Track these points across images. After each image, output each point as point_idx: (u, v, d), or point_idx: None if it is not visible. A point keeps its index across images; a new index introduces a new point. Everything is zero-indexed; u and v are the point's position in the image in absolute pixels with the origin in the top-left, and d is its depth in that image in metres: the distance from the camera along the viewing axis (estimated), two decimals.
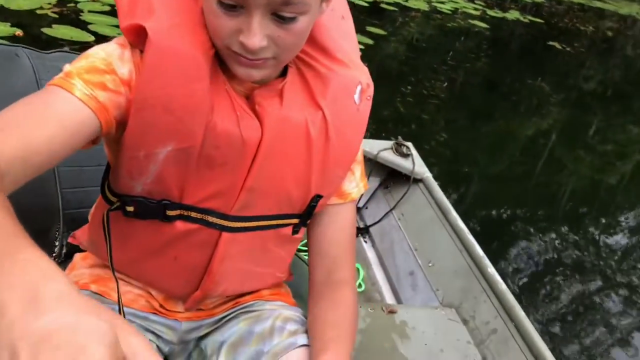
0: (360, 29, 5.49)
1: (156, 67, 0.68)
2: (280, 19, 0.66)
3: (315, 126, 0.77)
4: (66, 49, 1.19)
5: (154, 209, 0.76)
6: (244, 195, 0.77)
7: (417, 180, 1.94)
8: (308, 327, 0.85)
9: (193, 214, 0.77)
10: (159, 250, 0.80)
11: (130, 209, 0.76)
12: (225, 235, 0.79)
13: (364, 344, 1.36)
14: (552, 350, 1.33)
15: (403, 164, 1.98)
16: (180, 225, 0.77)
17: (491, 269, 1.54)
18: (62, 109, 0.65)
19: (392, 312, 1.49)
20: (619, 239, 3.51)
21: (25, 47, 1.10)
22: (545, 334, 2.33)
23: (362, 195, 0.93)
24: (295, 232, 0.87)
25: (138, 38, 0.69)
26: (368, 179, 2.03)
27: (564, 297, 2.69)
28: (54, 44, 3.38)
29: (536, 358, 1.30)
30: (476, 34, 6.97)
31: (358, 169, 0.89)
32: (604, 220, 3.72)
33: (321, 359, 0.75)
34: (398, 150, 2.02)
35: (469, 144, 4.23)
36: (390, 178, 2.06)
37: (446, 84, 5.07)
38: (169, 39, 0.68)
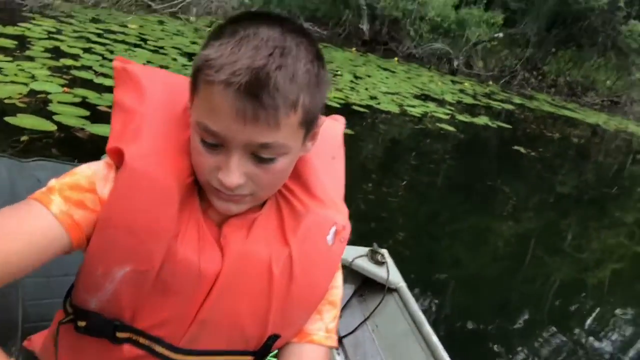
0: None
1: (125, 189, 0.70)
2: (259, 159, 0.69)
3: (279, 263, 0.76)
4: (44, 158, 1.20)
5: (104, 328, 0.75)
6: (195, 328, 0.75)
7: (392, 290, 1.93)
8: None
9: (141, 340, 0.75)
10: None
11: (82, 324, 0.76)
12: None
13: None
14: None
15: (378, 272, 1.97)
16: (127, 349, 0.75)
17: None
18: (35, 224, 0.68)
19: None
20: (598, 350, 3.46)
21: (3, 156, 1.11)
22: None
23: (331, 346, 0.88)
24: None
25: (119, 160, 0.71)
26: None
27: None
28: (15, 131, 3.35)
29: None
30: (444, 137, 7.25)
31: (330, 312, 0.85)
32: (581, 329, 3.68)
33: None
34: (373, 257, 2.02)
35: (436, 246, 4.25)
36: (364, 286, 2.04)
37: (404, 182, 5.16)
38: (145, 164, 0.71)
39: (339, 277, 0.87)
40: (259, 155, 0.68)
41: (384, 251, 2.08)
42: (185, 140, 0.74)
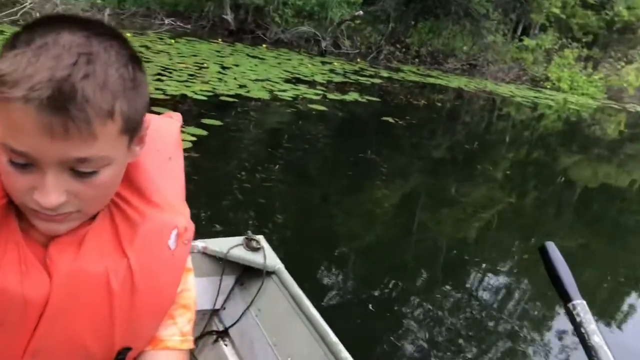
0: (195, 122, 5.57)
1: None
2: (78, 174, 0.64)
3: (118, 276, 0.73)
4: None
5: None
6: None
7: (270, 273, 1.94)
8: None
9: None
10: None
11: None
12: None
13: None
14: None
15: (255, 258, 1.97)
16: None
17: (345, 354, 1.55)
18: None
19: None
20: (484, 305, 3.75)
21: None
22: None
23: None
24: None
25: None
26: (221, 278, 1.99)
27: None
28: None
29: None
30: (317, 117, 7.40)
31: (184, 316, 0.84)
32: (471, 282, 3.97)
33: None
34: (249, 245, 2.02)
35: (319, 224, 4.35)
36: (244, 274, 2.03)
37: (278, 166, 5.22)
38: None
39: (189, 279, 0.86)
40: (78, 170, 0.64)
41: (260, 237, 2.08)
42: None
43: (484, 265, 4.24)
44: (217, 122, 5.90)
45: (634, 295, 4.31)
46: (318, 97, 8.33)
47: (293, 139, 6.42)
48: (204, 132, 5.44)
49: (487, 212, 5.44)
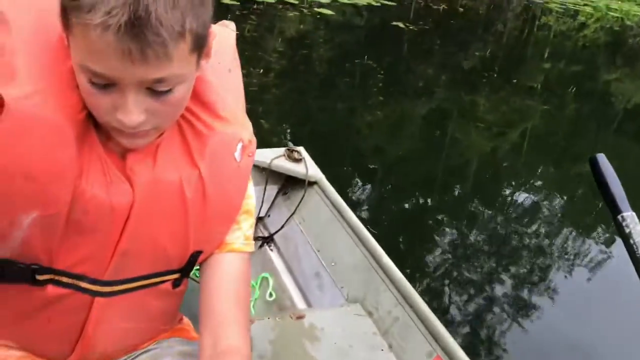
0: None
1: (13, 135, 0.66)
2: (156, 93, 0.66)
3: (191, 185, 0.78)
4: None
5: (22, 273, 0.74)
6: (117, 259, 0.77)
7: (312, 183, 2.00)
8: None
9: (64, 279, 0.76)
10: (32, 314, 0.79)
11: None
12: (99, 300, 0.79)
13: (276, 354, 1.40)
14: (451, 332, 1.44)
15: (297, 169, 2.03)
16: (51, 289, 0.76)
17: (386, 259, 1.63)
18: None
19: (300, 317, 1.54)
20: (513, 221, 3.78)
21: None
22: (444, 317, 2.49)
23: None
24: (176, 285, 0.87)
25: None
26: (265, 187, 2.07)
27: (460, 282, 2.87)
28: None
29: (436, 339, 1.41)
30: (321, 21, 6.99)
31: (247, 221, 0.89)
32: (496, 201, 3.99)
33: None
34: (290, 156, 2.07)
35: (343, 135, 4.30)
36: (287, 184, 2.10)
37: (261, 71, 5.04)
38: (29, 105, 0.66)
39: (250, 187, 0.90)
40: (155, 90, 0.66)
41: (301, 148, 2.12)
42: (67, 72, 0.69)
43: (518, 180, 4.24)
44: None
45: None
46: (328, 1, 7.87)
47: (300, 45, 6.08)
48: None
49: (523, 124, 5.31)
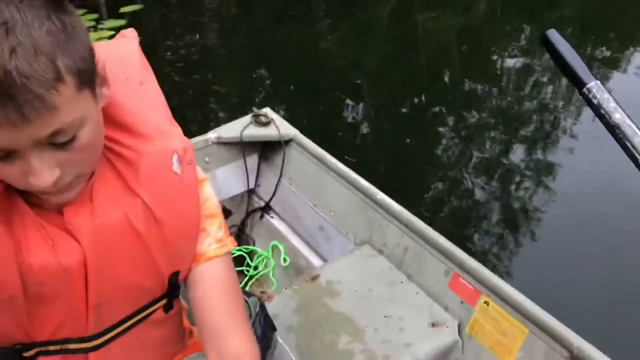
0: (112, 15, 5.04)
1: None
2: (59, 145, 0.62)
3: (138, 217, 0.75)
4: None
5: (9, 356, 0.74)
6: (93, 314, 0.76)
7: (288, 142, 1.96)
8: None
9: (51, 348, 0.76)
10: None
11: None
12: (94, 354, 0.79)
13: (302, 321, 1.41)
14: (461, 247, 1.43)
15: (269, 132, 1.98)
16: None
17: (381, 195, 1.61)
18: None
19: (315, 278, 1.55)
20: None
21: None
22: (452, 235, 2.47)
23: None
24: (168, 310, 0.86)
25: None
26: (245, 160, 2.03)
27: (461, 199, 2.83)
28: None
29: (449, 258, 1.40)
30: None
31: (213, 224, 0.86)
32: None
33: None
34: (258, 121, 2.01)
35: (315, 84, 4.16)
36: (265, 150, 2.06)
37: (198, 36, 4.84)
38: None
39: (205, 189, 0.87)
40: (57, 143, 0.61)
41: (266, 110, 2.06)
42: None
43: (491, 57, 4.12)
44: (136, 7, 5.35)
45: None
46: None
47: None
48: (122, 22, 4.90)
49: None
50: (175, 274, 0.83)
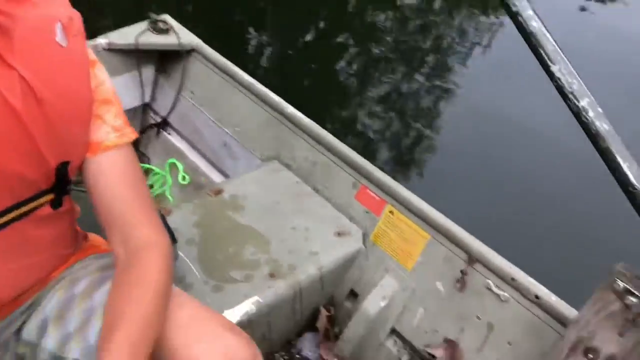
0: None
1: None
2: None
3: (14, 92, 0.64)
4: None
5: None
6: None
7: (190, 52, 1.82)
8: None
9: None
10: None
11: None
12: None
13: (205, 235, 1.35)
14: (370, 158, 1.44)
15: (168, 41, 1.82)
16: None
17: (292, 109, 1.56)
18: None
19: (219, 192, 1.48)
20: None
21: None
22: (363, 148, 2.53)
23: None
24: (56, 206, 0.77)
25: None
26: (140, 71, 1.87)
27: (367, 110, 2.87)
28: None
29: (357, 170, 1.40)
30: None
31: (109, 112, 0.77)
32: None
33: (107, 340, 0.66)
34: (156, 28, 1.84)
35: None
36: (163, 61, 1.91)
37: None
38: None
39: (98, 71, 0.77)
40: None
41: (165, 16, 1.89)
42: None
43: None
44: None
45: None
46: None
47: None
48: None
49: None
50: (64, 164, 0.74)
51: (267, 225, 1.39)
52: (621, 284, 0.89)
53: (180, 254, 1.30)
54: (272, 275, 1.26)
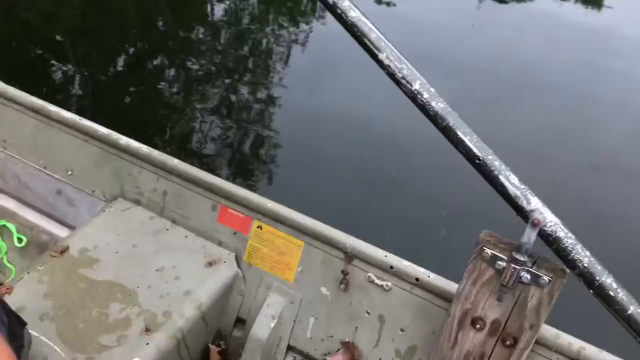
0: None
1: None
2: None
3: None
4: None
5: None
6: None
7: None
8: None
9: None
10: None
11: None
12: None
13: (58, 306, 1.18)
14: (218, 173, 1.35)
15: None
16: None
17: (124, 140, 1.41)
18: None
19: (63, 250, 1.30)
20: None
21: None
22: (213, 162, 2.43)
23: None
24: None
25: None
26: None
27: (203, 127, 2.76)
28: None
29: (213, 191, 1.31)
30: None
31: None
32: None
33: None
34: None
35: None
36: None
37: None
38: None
39: None
40: None
41: None
42: None
43: None
44: None
45: None
46: None
47: None
48: None
49: None
50: None
51: (128, 274, 1.25)
52: (489, 251, 0.92)
53: (34, 333, 1.12)
54: (147, 330, 1.14)
